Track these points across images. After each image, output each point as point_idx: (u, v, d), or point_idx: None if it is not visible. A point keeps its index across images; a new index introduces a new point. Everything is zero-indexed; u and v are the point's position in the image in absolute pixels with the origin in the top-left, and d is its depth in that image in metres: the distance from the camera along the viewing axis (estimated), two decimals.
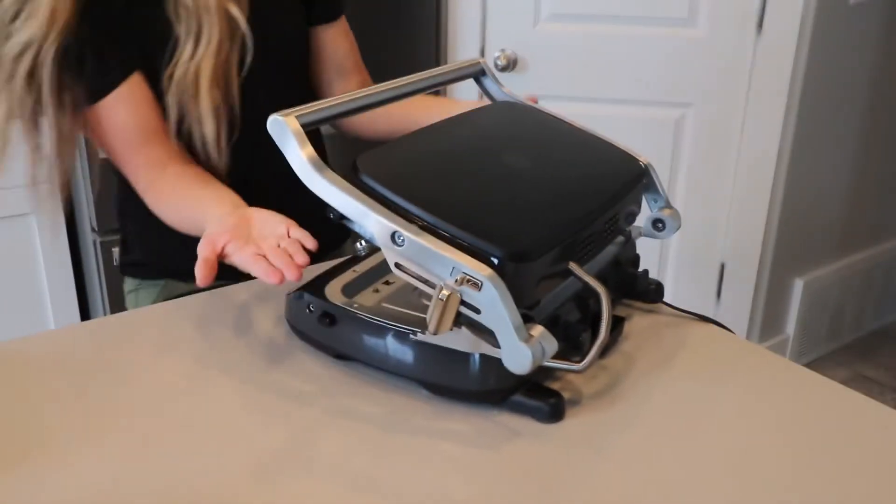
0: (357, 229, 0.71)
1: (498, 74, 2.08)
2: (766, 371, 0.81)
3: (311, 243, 0.78)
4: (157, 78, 0.98)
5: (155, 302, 1.13)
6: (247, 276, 0.78)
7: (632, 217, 0.88)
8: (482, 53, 2.10)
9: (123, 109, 0.97)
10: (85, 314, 2.12)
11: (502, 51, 2.07)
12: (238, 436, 0.70)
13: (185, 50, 0.96)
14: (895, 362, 2.54)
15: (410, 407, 0.74)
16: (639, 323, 0.89)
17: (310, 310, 0.80)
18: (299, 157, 0.72)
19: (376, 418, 0.72)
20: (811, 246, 2.33)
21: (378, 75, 1.19)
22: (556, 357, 0.68)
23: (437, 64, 2.14)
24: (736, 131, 2.05)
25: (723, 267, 2.19)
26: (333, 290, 0.82)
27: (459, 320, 0.67)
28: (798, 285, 2.34)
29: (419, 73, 0.88)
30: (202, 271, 0.76)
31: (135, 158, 1.00)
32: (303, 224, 0.81)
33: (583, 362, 0.69)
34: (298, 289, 0.82)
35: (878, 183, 2.46)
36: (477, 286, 0.65)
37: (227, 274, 0.80)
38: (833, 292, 2.46)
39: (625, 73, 2.04)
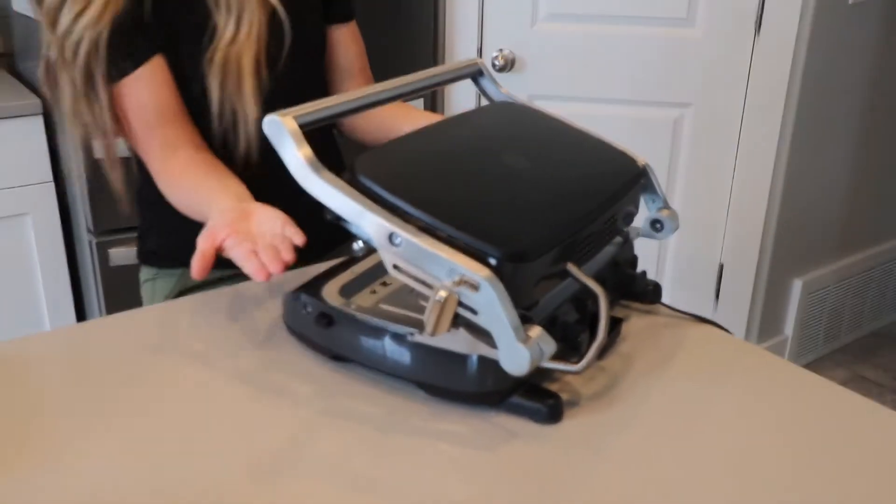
0: (354, 230, 0.71)
1: (496, 75, 2.08)
2: (765, 372, 0.81)
3: (299, 240, 0.81)
4: (186, 63, 1.01)
5: (171, 291, 1.15)
6: None
7: (630, 218, 0.88)
8: (480, 53, 2.10)
9: (146, 89, 1.00)
10: (81, 315, 2.11)
11: (500, 51, 2.07)
12: (236, 436, 0.69)
13: (226, 35, 0.99)
14: (894, 363, 2.54)
15: (408, 408, 0.74)
16: (637, 324, 0.89)
17: (307, 311, 0.80)
18: (296, 157, 0.72)
19: (374, 419, 0.72)
20: (810, 247, 2.33)
21: (376, 75, 1.19)
22: (554, 358, 0.68)
23: (435, 64, 2.14)
24: (734, 132, 2.05)
25: (721, 268, 2.19)
26: (331, 291, 0.82)
27: (457, 321, 0.67)
28: (797, 286, 2.34)
29: (417, 74, 0.88)
30: (198, 264, 0.79)
31: (150, 139, 1.02)
32: (315, 220, 0.81)
33: (581, 363, 0.69)
34: (295, 290, 0.82)
35: (877, 183, 2.46)
36: (475, 287, 0.65)
37: (230, 263, 0.82)
38: (832, 293, 2.47)
39: (623, 73, 2.04)
